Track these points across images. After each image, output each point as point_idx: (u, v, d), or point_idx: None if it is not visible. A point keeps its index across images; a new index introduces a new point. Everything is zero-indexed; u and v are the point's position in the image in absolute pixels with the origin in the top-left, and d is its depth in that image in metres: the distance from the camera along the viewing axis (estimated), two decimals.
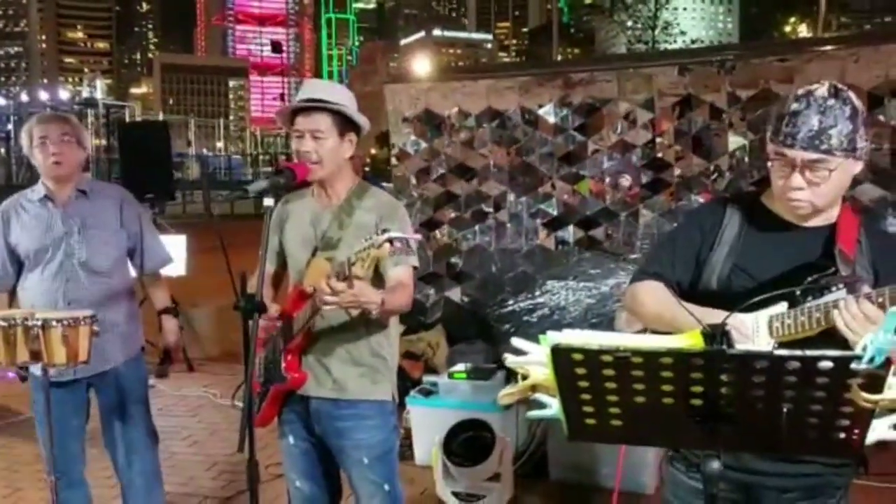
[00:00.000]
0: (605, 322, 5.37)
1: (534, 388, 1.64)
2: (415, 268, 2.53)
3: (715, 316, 1.74)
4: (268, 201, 2.33)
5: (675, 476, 2.08)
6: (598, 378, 1.47)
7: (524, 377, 1.64)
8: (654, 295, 2.03)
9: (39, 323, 2.81)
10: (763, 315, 1.81)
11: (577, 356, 1.44)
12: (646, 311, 2.05)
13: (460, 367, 4.55)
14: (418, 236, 2.29)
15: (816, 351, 1.32)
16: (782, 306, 1.81)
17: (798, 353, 1.33)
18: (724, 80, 5.16)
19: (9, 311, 2.94)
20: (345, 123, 2.52)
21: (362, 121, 2.55)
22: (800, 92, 1.83)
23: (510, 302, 5.82)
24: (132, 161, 6.96)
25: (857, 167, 1.85)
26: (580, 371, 1.47)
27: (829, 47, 5.26)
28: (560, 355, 1.45)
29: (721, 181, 5.27)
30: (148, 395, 3.41)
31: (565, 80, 5.68)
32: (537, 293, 5.79)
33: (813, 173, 1.79)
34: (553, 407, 1.69)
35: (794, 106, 1.79)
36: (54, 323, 2.82)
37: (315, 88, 2.54)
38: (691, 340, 1.48)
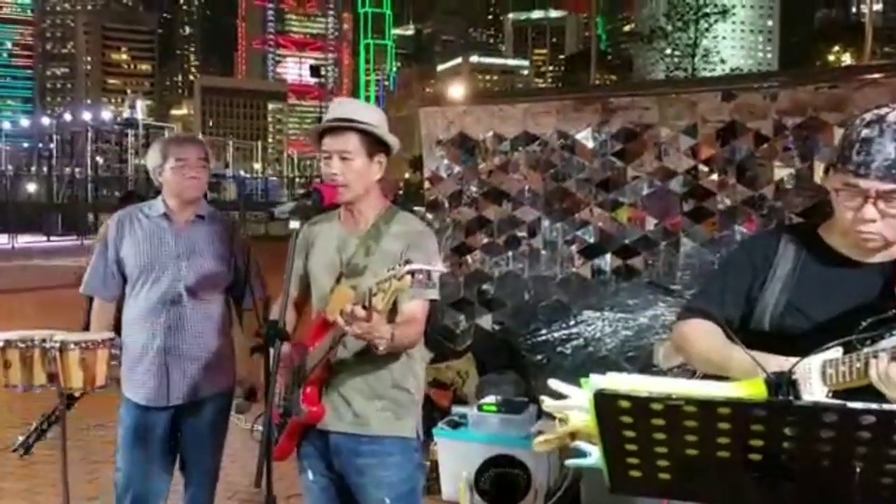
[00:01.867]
0: (643, 356, 5.20)
1: (573, 434, 1.50)
2: (433, 301, 2.40)
3: (770, 361, 1.59)
4: (294, 224, 2.23)
5: None
6: (646, 427, 1.33)
7: (563, 422, 1.50)
8: (703, 335, 1.88)
9: (57, 345, 2.75)
10: (816, 360, 1.64)
11: (624, 403, 1.30)
12: (694, 351, 1.90)
13: (490, 399, 4.40)
14: (443, 268, 2.16)
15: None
16: (837, 351, 1.64)
17: (875, 406, 1.18)
18: (770, 107, 5.00)
19: (28, 331, 2.86)
20: (374, 144, 2.41)
21: (392, 140, 2.44)
22: (868, 117, 1.67)
23: (543, 331, 5.66)
24: None
25: None
26: (626, 419, 1.33)
27: (878, 75, 5.08)
28: (604, 402, 1.31)
29: (766, 211, 5.09)
30: (226, 433, 3.32)
31: (604, 105, 5.55)
32: (572, 323, 5.62)
33: (888, 204, 1.64)
34: (594, 455, 1.55)
35: (866, 132, 1.64)
36: (72, 346, 2.76)
37: (345, 108, 2.44)
38: (751, 389, 1.33)
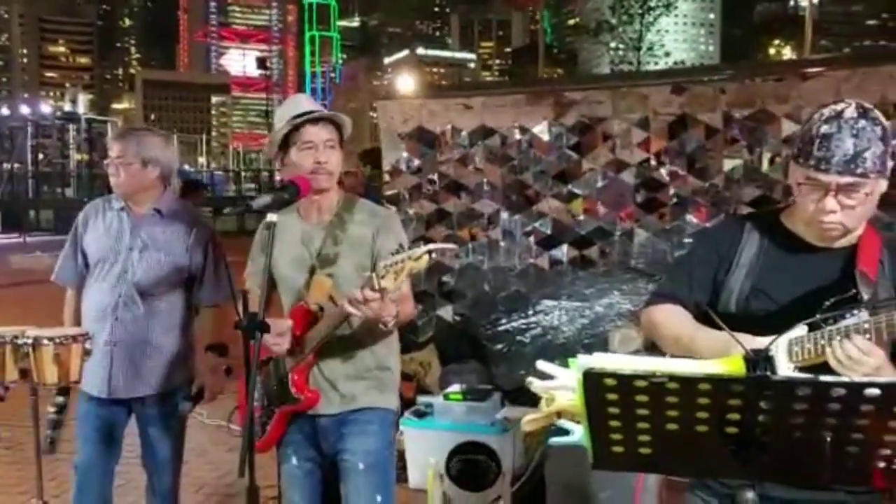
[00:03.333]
0: (599, 342, 5.32)
1: (559, 413, 1.58)
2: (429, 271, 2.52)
3: (741, 341, 1.69)
4: (272, 217, 2.26)
5: (694, 502, 2.02)
6: (630, 404, 1.41)
7: (549, 401, 1.57)
8: (672, 318, 1.98)
9: (30, 341, 2.73)
10: (783, 339, 1.75)
11: (610, 381, 1.37)
12: (663, 334, 1.99)
13: (455, 387, 4.47)
14: (454, 246, 2.32)
15: (865, 378, 1.27)
16: (802, 329, 1.75)
17: (845, 379, 1.28)
18: (719, 99, 5.15)
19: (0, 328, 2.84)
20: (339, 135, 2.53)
21: (348, 131, 2.55)
22: (827, 113, 1.77)
23: (503, 321, 5.75)
24: None
25: (885, 186, 1.80)
26: (611, 397, 1.40)
27: (821, 68, 5.27)
28: (592, 380, 1.38)
29: (716, 201, 5.25)
30: (183, 430, 3.30)
31: (558, 99, 5.65)
32: (530, 313, 5.72)
33: (847, 196, 1.74)
34: (576, 433, 1.63)
35: (825, 128, 1.74)
36: (45, 341, 2.75)
37: (310, 103, 2.57)
38: (730, 366, 1.41)
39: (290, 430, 2.59)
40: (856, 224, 1.81)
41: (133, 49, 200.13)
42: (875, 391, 1.27)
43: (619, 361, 1.42)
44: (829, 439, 1.36)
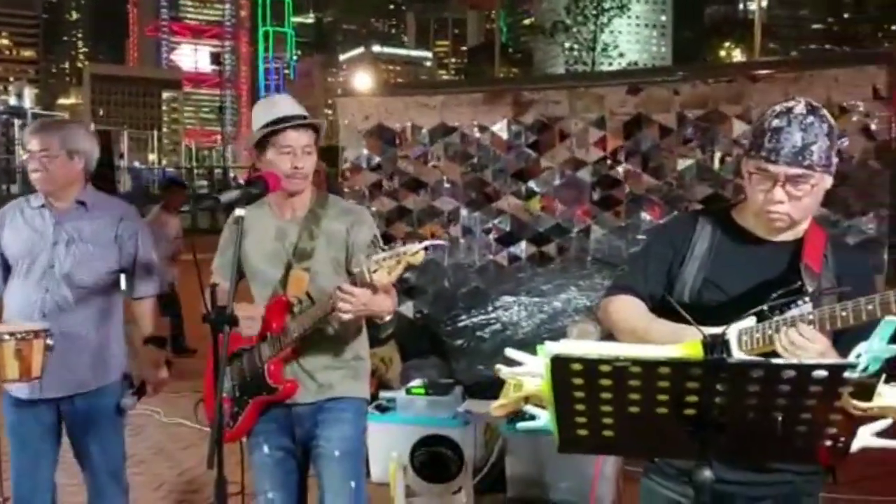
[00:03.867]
0: (557, 337, 5.40)
1: (526, 398, 1.64)
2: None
3: (692, 330, 1.78)
4: (240, 211, 2.30)
5: (650, 486, 2.11)
6: (595, 388, 1.48)
7: (517, 387, 1.64)
8: (627, 310, 2.07)
9: None
10: (733, 329, 1.85)
11: (576, 366, 1.44)
12: (619, 325, 2.08)
13: (417, 382, 4.53)
14: (446, 242, 2.41)
15: (813, 360, 1.35)
16: (751, 320, 1.85)
17: (794, 361, 1.36)
18: (673, 100, 5.29)
19: None
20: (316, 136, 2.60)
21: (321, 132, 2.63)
22: (778, 108, 1.88)
23: (463, 317, 5.82)
24: None
25: (829, 182, 1.91)
26: (577, 381, 1.47)
27: (770, 70, 5.44)
28: (559, 365, 1.45)
29: (670, 199, 5.39)
30: (121, 428, 3.20)
31: (517, 98, 5.74)
32: (490, 308, 5.80)
33: (794, 187, 1.84)
34: (542, 418, 1.69)
35: (776, 122, 1.84)
36: (6, 337, 2.73)
37: (289, 106, 2.58)
38: (688, 350, 1.50)
39: (262, 420, 2.64)
40: (801, 216, 1.92)
41: (80, 43, 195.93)
42: (822, 373, 1.36)
43: (584, 347, 1.49)
44: (780, 419, 1.44)
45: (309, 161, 2.56)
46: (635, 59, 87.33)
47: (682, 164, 5.38)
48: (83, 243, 3.02)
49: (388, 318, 2.45)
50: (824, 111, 1.87)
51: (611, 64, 46.26)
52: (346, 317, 2.33)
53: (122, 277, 3.16)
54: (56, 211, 3.04)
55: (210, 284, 2.34)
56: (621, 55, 50.35)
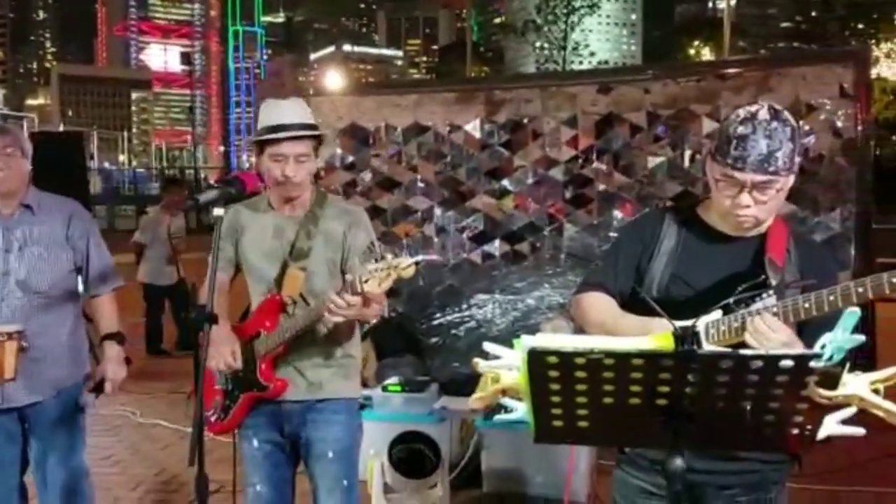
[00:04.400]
0: (532, 334, 5.46)
1: (504, 391, 1.68)
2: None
3: (658, 324, 1.83)
4: (218, 211, 2.31)
5: (622, 477, 2.16)
6: (570, 380, 1.51)
7: (495, 381, 1.67)
8: (597, 305, 2.11)
9: None
10: (700, 322, 1.89)
11: (552, 359, 1.47)
12: (589, 320, 2.12)
13: (393, 379, 4.55)
14: (438, 257, 2.44)
15: (779, 350, 1.40)
16: (717, 314, 1.90)
17: (762, 352, 1.41)
18: (644, 99, 5.36)
19: None
20: (316, 142, 2.60)
21: (326, 134, 2.63)
22: (742, 114, 1.91)
23: (438, 315, 5.86)
24: (43, 174, 6.73)
25: (792, 180, 1.96)
26: (553, 374, 1.51)
27: (738, 69, 5.53)
28: (535, 358, 1.48)
29: (641, 196, 5.46)
30: (83, 429, 3.16)
31: (489, 97, 5.78)
32: (464, 306, 5.84)
33: (761, 193, 1.89)
34: (519, 410, 1.73)
35: (741, 129, 1.87)
36: None
37: (289, 112, 2.56)
38: (660, 342, 1.54)
39: (252, 414, 2.66)
40: (767, 216, 1.98)
41: (48, 43, 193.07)
42: (789, 363, 1.40)
43: (560, 341, 1.53)
44: (748, 408, 1.49)
45: (302, 169, 2.53)
46: (606, 57, 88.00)
47: (653, 161, 5.46)
48: (35, 247, 2.95)
49: (373, 321, 2.45)
50: (786, 114, 1.91)
51: (581, 63, 46.60)
52: (336, 320, 2.36)
53: (79, 277, 3.12)
54: (2, 217, 2.95)
55: (191, 284, 2.35)
56: (592, 54, 50.66)
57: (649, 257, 2.10)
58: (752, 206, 1.92)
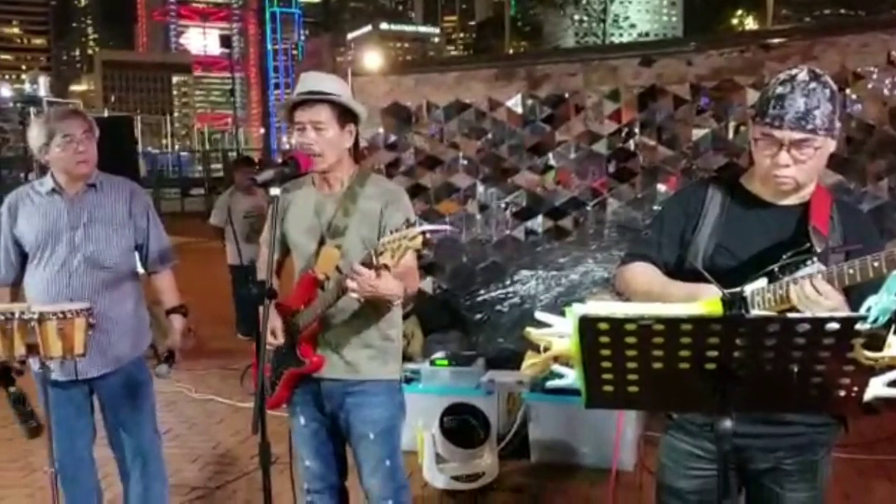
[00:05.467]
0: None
1: (555, 358, 1.74)
2: (418, 251, 2.62)
3: (706, 290, 1.87)
4: (274, 191, 2.39)
5: (670, 442, 2.21)
6: (620, 346, 1.57)
7: (546, 349, 1.73)
8: (643, 275, 2.15)
9: (36, 316, 2.81)
10: (747, 290, 1.93)
11: (603, 325, 1.53)
12: (635, 290, 2.16)
13: (441, 354, 4.64)
14: (450, 228, 2.43)
15: (825, 313, 1.44)
16: (762, 281, 1.93)
17: (808, 315, 1.45)
18: (687, 71, 5.32)
19: (5, 305, 2.93)
20: (344, 114, 2.60)
21: (360, 110, 2.64)
22: (782, 76, 1.95)
23: (481, 292, 5.92)
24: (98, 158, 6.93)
25: (833, 146, 1.99)
26: (604, 340, 1.56)
27: (782, 39, 5.46)
28: (587, 325, 1.54)
29: (685, 169, 5.44)
30: (153, 395, 3.34)
31: (530, 72, 5.78)
32: (508, 283, 5.89)
33: (799, 151, 1.92)
34: (569, 377, 1.79)
35: (780, 90, 1.92)
36: (50, 316, 2.83)
37: (315, 81, 2.60)
38: (709, 308, 1.58)
39: (297, 392, 2.74)
40: (806, 179, 2.00)
41: (90, 29, 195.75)
42: (835, 325, 1.44)
43: (610, 308, 1.58)
44: (795, 371, 1.53)
45: (320, 138, 2.54)
46: (646, 29, 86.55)
47: (697, 134, 5.43)
48: (101, 224, 3.11)
49: (397, 302, 2.45)
50: (826, 77, 1.94)
51: (621, 35, 45.97)
52: (354, 296, 2.36)
53: (136, 254, 3.27)
54: (68, 196, 3.11)
55: (249, 261, 2.44)
56: (633, 26, 49.96)
57: (693, 228, 2.13)
58: (791, 165, 1.95)
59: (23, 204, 3.13)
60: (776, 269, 1.93)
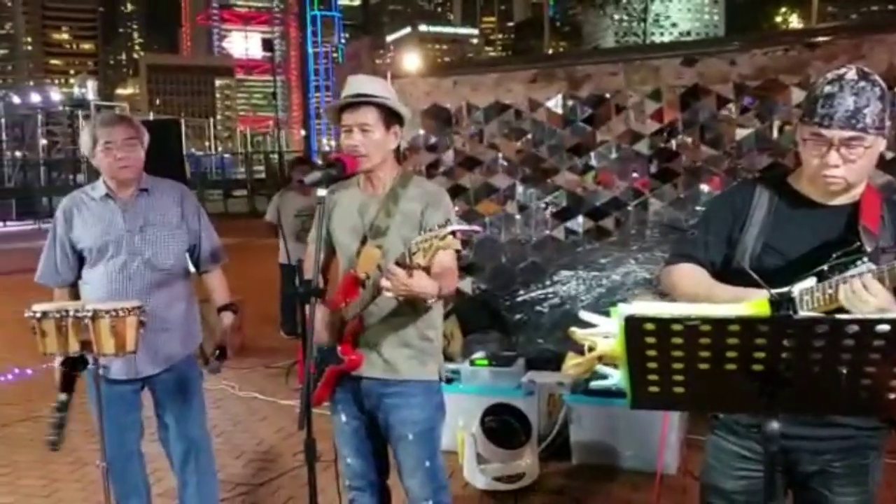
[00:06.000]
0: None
1: (600, 358, 1.74)
2: (458, 251, 2.63)
3: (753, 294, 1.85)
4: (321, 192, 2.43)
5: (717, 442, 2.18)
6: (667, 346, 1.57)
7: (591, 349, 1.74)
8: (689, 276, 2.13)
9: (89, 314, 2.88)
10: (795, 289, 1.90)
11: (649, 326, 1.53)
12: (681, 291, 2.13)
13: (480, 354, 4.65)
14: (478, 228, 2.42)
15: (875, 312, 1.42)
16: (811, 281, 1.91)
17: (858, 316, 1.43)
18: (730, 70, 5.26)
19: (60, 303, 3.01)
20: (390, 116, 2.64)
21: (405, 112, 2.67)
22: (830, 76, 1.93)
23: (521, 292, 5.90)
24: (146, 161, 7.06)
25: (883, 145, 1.96)
26: (650, 340, 1.56)
27: (827, 37, 5.37)
28: (633, 325, 1.54)
29: (728, 169, 5.38)
30: (203, 395, 3.43)
31: (571, 73, 5.76)
32: (548, 283, 5.87)
33: (849, 150, 1.90)
34: (614, 377, 1.79)
35: (828, 89, 1.90)
36: (103, 314, 2.90)
37: (362, 84, 2.65)
38: (756, 309, 1.57)
39: (339, 389, 2.78)
40: (856, 179, 1.97)
41: (136, 34, 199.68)
42: (885, 327, 1.43)
43: (656, 308, 1.58)
44: (844, 373, 1.52)
45: (368, 141, 2.58)
46: (687, 28, 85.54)
47: (741, 133, 5.35)
48: (156, 227, 3.20)
49: (431, 301, 2.45)
50: (876, 76, 1.92)
51: (662, 34, 45.49)
52: (389, 295, 2.37)
53: (187, 255, 3.34)
54: (121, 200, 3.19)
55: (297, 260, 2.47)
56: (674, 25, 49.44)
57: (741, 227, 2.11)
58: (841, 165, 1.92)
59: (77, 209, 3.21)
60: (825, 269, 1.91)
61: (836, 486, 2.05)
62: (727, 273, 2.09)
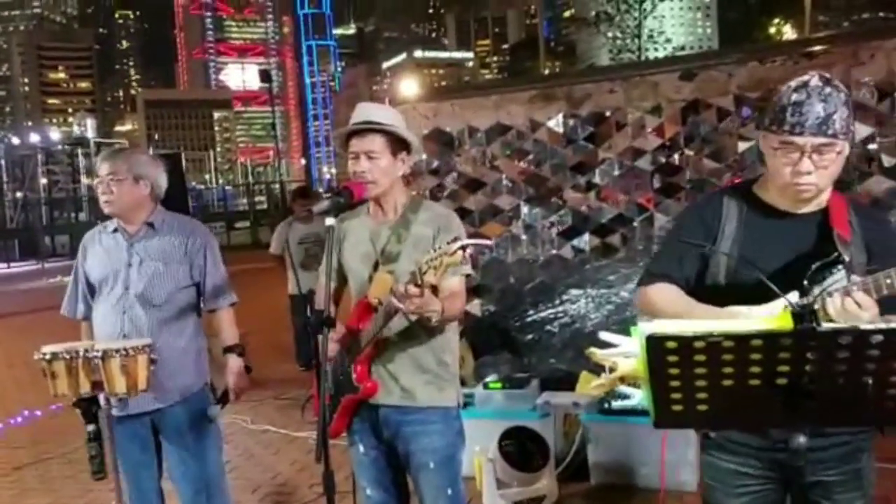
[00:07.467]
0: (626, 329, 5.45)
1: (622, 378, 1.72)
2: (468, 276, 2.62)
3: (736, 312, 1.85)
4: (329, 221, 2.43)
5: (711, 462, 2.14)
6: (689, 364, 1.55)
7: (612, 370, 1.72)
8: (667, 297, 2.08)
9: (99, 354, 2.87)
10: (778, 305, 1.85)
11: (671, 344, 1.52)
12: (660, 313, 2.06)
13: (494, 377, 4.62)
14: (489, 242, 2.41)
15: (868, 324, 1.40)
16: (794, 295, 1.85)
17: (883, 326, 1.42)
18: (729, 83, 5.28)
19: (70, 343, 3.00)
20: (397, 143, 2.64)
21: (412, 139, 2.67)
22: (794, 84, 1.93)
23: (531, 312, 5.88)
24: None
25: (848, 150, 1.95)
26: (672, 359, 1.55)
27: (823, 46, 5.38)
28: (654, 344, 1.53)
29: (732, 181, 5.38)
30: (216, 431, 3.35)
31: (570, 92, 5.79)
32: (557, 302, 5.85)
33: (820, 157, 1.90)
34: (635, 397, 1.77)
35: (795, 97, 1.89)
36: (113, 353, 2.89)
37: (368, 111, 2.65)
38: (778, 322, 1.56)
39: (357, 419, 2.75)
40: (826, 184, 1.97)
41: (132, 70, 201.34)
42: None
43: (678, 326, 1.56)
44: (870, 383, 1.50)
45: (373, 166, 2.59)
46: (681, 43, 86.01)
47: (743, 146, 5.36)
48: (153, 262, 3.18)
49: (434, 320, 2.43)
50: (837, 82, 1.92)
51: (657, 50, 45.71)
52: (400, 316, 2.36)
53: (192, 291, 3.30)
54: (128, 234, 3.22)
55: (308, 290, 2.46)
56: (668, 40, 49.70)
57: (713, 241, 2.07)
58: (813, 171, 1.92)
59: (91, 243, 3.28)
60: (805, 282, 1.88)
61: (836, 494, 2.03)
62: (703, 288, 2.06)
